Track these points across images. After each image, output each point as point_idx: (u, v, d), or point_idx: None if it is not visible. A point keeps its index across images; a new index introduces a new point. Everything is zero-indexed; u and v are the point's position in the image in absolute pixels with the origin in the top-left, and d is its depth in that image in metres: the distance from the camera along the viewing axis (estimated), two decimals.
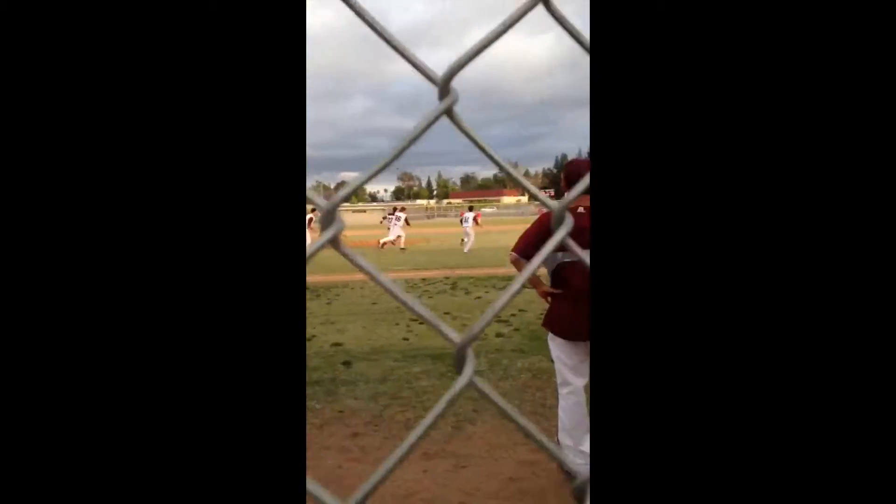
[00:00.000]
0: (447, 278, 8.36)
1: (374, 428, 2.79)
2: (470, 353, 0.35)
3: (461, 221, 15.03)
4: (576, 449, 2.18)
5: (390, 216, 16.29)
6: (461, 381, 0.34)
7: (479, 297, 6.56)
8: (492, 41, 0.35)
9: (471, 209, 16.03)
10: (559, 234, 0.39)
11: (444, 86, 0.35)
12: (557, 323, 2.26)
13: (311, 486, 0.31)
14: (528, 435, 0.36)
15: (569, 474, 2.21)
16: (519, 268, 2.28)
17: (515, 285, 0.37)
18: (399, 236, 15.09)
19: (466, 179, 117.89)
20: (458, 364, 0.35)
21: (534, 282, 2.31)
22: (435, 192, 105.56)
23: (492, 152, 0.38)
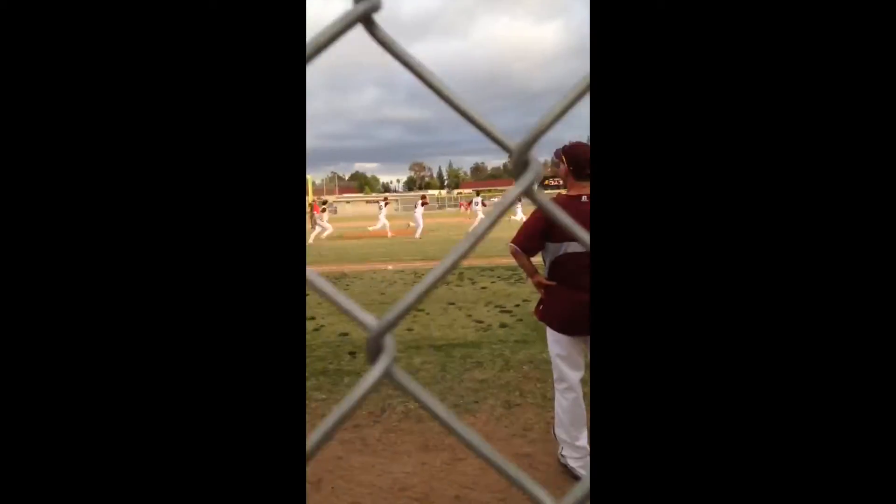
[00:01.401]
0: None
1: (376, 419, 2.81)
2: (388, 343, 0.31)
3: (473, 204, 17.05)
4: (572, 444, 2.17)
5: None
6: (374, 373, 0.31)
7: (484, 288, 6.55)
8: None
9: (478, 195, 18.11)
10: (525, 181, 0.34)
11: None
12: (553, 316, 2.22)
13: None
14: (452, 432, 0.34)
15: (566, 467, 2.21)
16: (518, 259, 2.26)
17: (438, 270, 0.33)
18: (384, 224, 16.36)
19: (476, 169, 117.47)
20: (373, 354, 0.31)
21: (529, 271, 2.26)
22: (446, 182, 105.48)
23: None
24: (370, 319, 0.31)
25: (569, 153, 2.17)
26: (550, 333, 2.25)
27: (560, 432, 2.23)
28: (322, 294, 0.32)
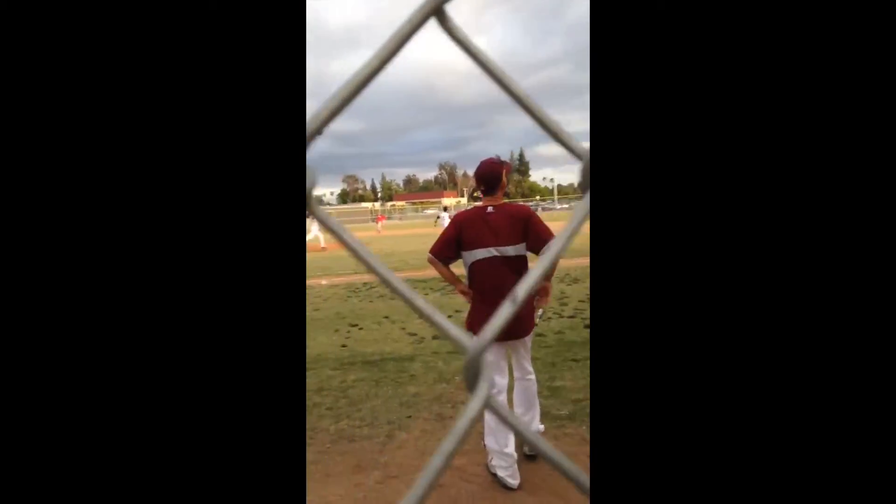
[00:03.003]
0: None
1: (309, 440, 2.74)
2: (484, 362, 0.28)
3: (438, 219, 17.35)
4: (501, 452, 2.21)
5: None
6: (476, 401, 0.27)
7: None
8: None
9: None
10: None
11: None
12: (473, 322, 2.29)
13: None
14: (548, 458, 0.29)
15: (495, 476, 2.25)
16: (435, 268, 2.34)
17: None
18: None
19: (409, 181, 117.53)
20: (472, 379, 0.27)
21: (449, 279, 2.35)
22: (379, 195, 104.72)
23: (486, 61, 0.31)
24: (466, 338, 0.28)
25: (476, 171, 2.30)
26: None
27: (489, 441, 2.26)
28: (414, 308, 0.29)
